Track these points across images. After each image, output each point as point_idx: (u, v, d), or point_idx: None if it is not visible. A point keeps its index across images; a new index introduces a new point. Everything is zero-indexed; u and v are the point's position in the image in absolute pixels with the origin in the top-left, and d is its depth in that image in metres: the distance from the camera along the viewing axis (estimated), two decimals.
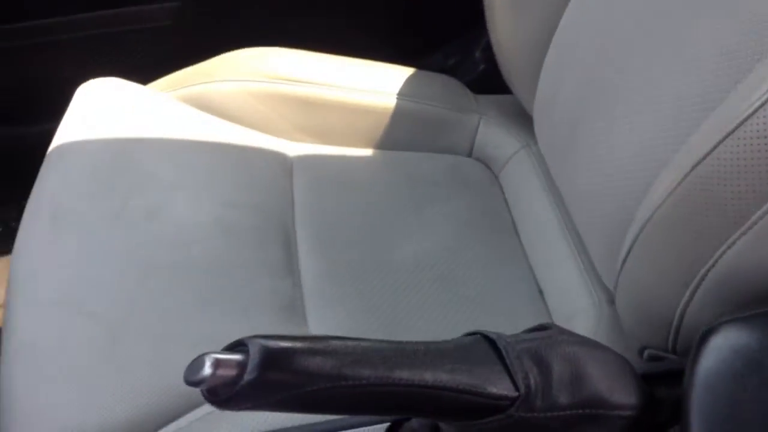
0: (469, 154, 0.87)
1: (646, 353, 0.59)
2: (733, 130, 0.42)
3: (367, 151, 0.83)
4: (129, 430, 0.50)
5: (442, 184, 0.81)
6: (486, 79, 0.87)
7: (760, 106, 0.41)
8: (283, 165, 0.78)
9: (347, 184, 0.77)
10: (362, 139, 0.83)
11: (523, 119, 0.84)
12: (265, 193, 0.72)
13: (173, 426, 0.51)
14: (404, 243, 0.72)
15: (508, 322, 0.68)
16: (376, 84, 0.83)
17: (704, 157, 0.44)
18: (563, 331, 0.36)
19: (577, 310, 0.68)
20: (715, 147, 0.43)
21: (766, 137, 0.41)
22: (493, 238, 0.76)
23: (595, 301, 0.67)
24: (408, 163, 0.83)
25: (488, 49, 0.84)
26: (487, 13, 0.81)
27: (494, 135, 0.85)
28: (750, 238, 0.42)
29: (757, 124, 0.41)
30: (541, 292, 0.73)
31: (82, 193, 0.65)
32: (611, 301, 0.67)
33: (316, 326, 0.62)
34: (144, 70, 0.80)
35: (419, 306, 0.66)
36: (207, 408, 0.52)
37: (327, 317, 0.63)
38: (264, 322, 0.60)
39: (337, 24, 0.96)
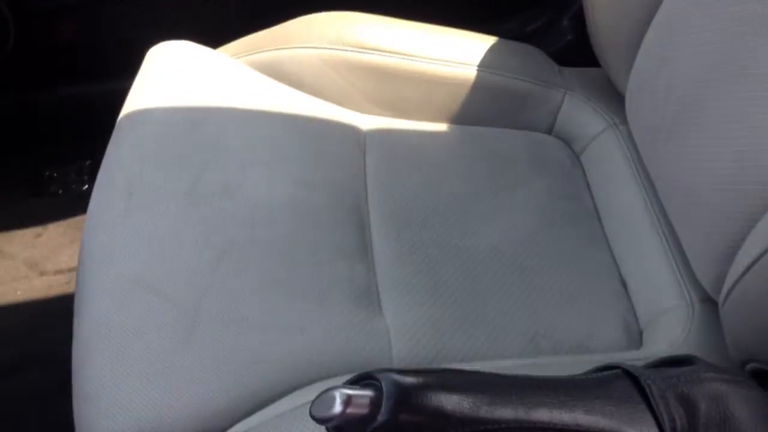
0: (550, 132, 0.82)
1: (750, 366, 0.55)
2: None
3: (443, 126, 0.79)
4: (206, 424, 0.49)
5: (522, 164, 0.77)
6: (572, 50, 0.81)
7: None
8: (357, 140, 0.74)
9: (422, 162, 0.74)
10: (438, 112, 0.79)
11: (610, 96, 0.78)
12: (339, 171, 0.69)
13: (254, 419, 0.49)
14: (480, 228, 0.69)
15: (589, 318, 0.65)
16: (455, 54, 0.78)
17: None
18: (708, 367, 0.33)
19: (667, 308, 0.64)
20: None
21: None
22: (574, 225, 0.72)
23: (687, 300, 0.63)
24: (486, 140, 0.79)
25: (576, 17, 0.79)
26: None
27: (579, 112, 0.80)
28: None
29: None
30: (624, 284, 0.69)
31: (155, 165, 0.63)
32: (705, 300, 0.63)
33: (391, 315, 0.59)
34: (215, 32, 0.77)
35: (496, 297, 0.63)
36: (288, 404, 0.50)
37: (402, 306, 0.60)
38: (339, 310, 0.57)
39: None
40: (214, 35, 0.77)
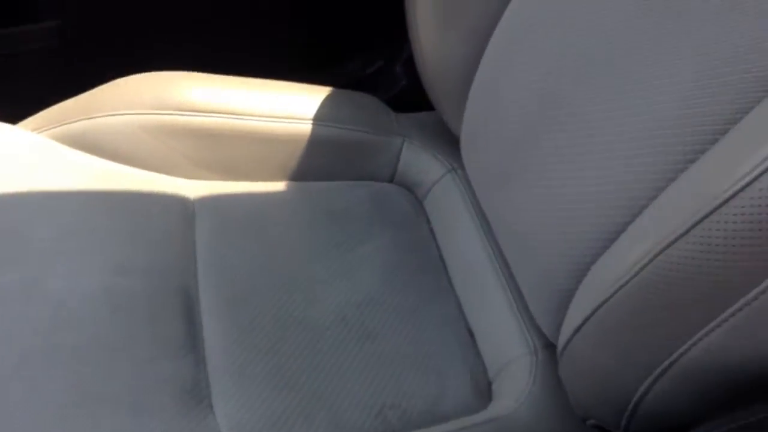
0: (392, 180, 0.80)
1: (590, 422, 0.55)
2: (713, 211, 0.36)
3: (280, 185, 0.76)
4: None
5: (365, 218, 0.75)
6: (408, 95, 0.80)
7: (750, 183, 0.35)
8: (184, 210, 0.69)
9: (258, 228, 0.70)
10: (274, 171, 0.75)
11: (448, 140, 0.78)
12: (163, 250, 0.64)
13: None
14: (325, 295, 0.66)
15: (438, 378, 0.63)
16: (288, 109, 0.75)
17: (677, 239, 0.38)
18: None
19: (512, 357, 0.64)
20: (692, 228, 0.37)
21: (752, 222, 0.35)
22: (421, 278, 0.71)
23: (530, 347, 0.63)
24: (326, 196, 0.76)
25: (409, 62, 0.78)
26: (410, 26, 0.74)
27: (418, 158, 0.79)
28: (724, 330, 0.37)
29: (751, 198, 0.33)
30: (472, 336, 0.68)
31: None
32: (548, 346, 0.63)
33: (223, 413, 0.55)
34: (14, 105, 0.69)
35: (343, 371, 0.60)
36: None
37: (236, 400, 0.56)
38: (161, 418, 0.52)
39: (240, 39, 0.87)
40: (14, 108, 0.69)
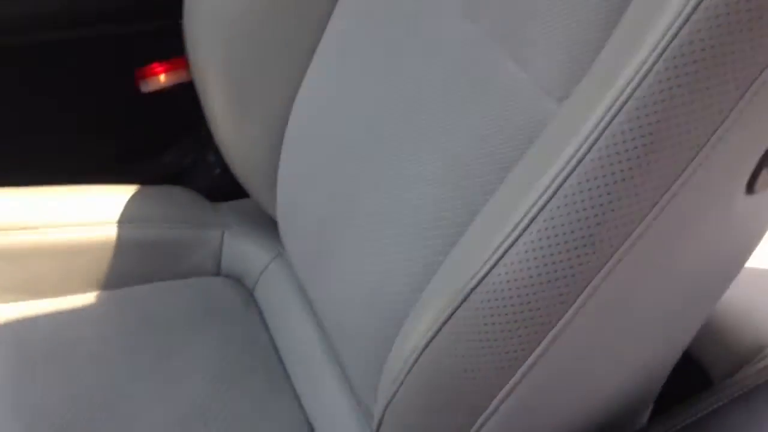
0: (218, 273, 0.77)
1: None
2: (459, 306, 0.36)
3: (91, 297, 0.70)
4: None
5: (189, 319, 0.71)
6: (225, 183, 0.78)
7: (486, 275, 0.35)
8: None
9: (65, 351, 0.64)
10: (83, 283, 0.70)
11: (270, 225, 0.77)
12: None
13: None
14: (145, 416, 0.61)
15: None
16: (92, 214, 0.70)
17: (435, 335, 0.37)
18: None
19: None
20: (444, 324, 0.37)
21: (492, 308, 0.35)
22: (254, 375, 0.68)
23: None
24: (144, 301, 0.71)
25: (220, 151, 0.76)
26: (208, 119, 0.72)
27: (242, 247, 0.77)
28: (500, 415, 0.37)
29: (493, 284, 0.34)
30: (312, 428, 0.65)
31: None
32: None
33: None
34: None
35: None
36: None
37: None
38: None
39: (41, 146, 0.81)
40: None
